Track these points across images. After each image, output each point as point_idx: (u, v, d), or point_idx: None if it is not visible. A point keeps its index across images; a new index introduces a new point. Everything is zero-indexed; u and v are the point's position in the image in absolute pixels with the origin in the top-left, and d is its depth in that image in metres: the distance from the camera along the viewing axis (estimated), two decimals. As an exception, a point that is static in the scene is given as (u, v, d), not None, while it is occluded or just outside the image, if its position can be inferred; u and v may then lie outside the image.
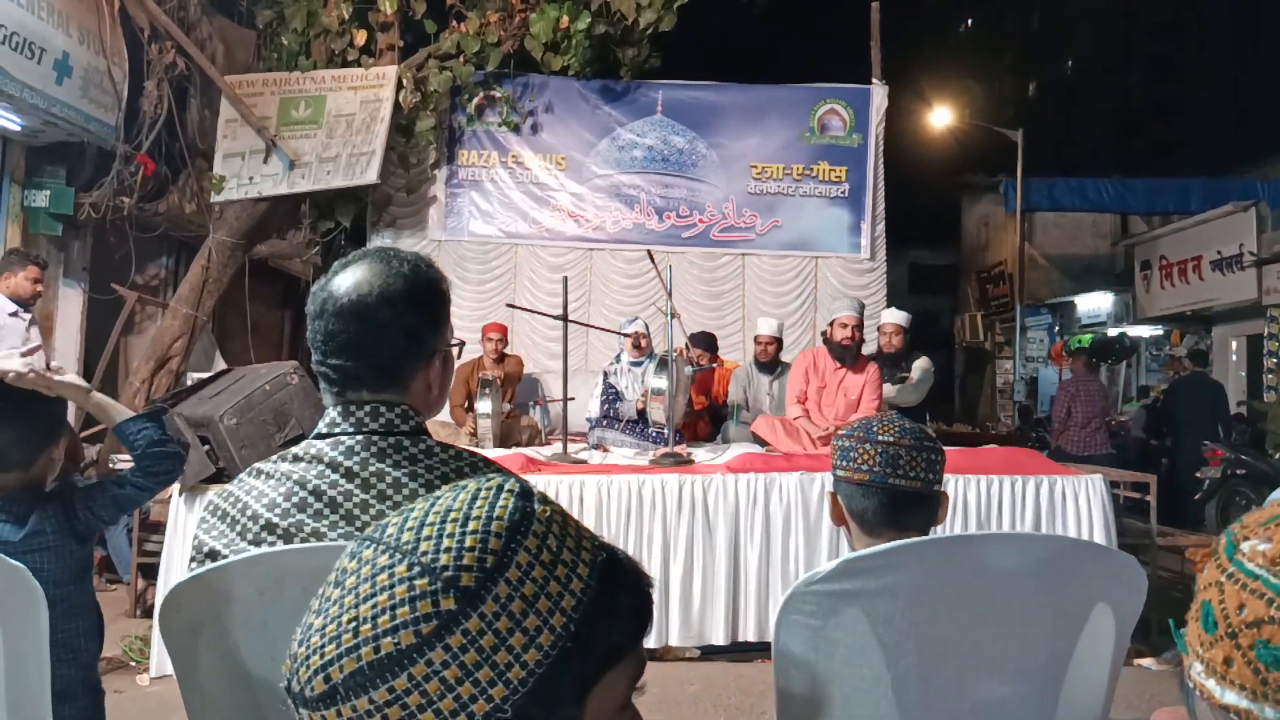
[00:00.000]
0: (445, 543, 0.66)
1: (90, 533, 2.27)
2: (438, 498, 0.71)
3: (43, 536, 2.14)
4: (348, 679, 0.63)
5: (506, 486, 0.72)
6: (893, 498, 1.65)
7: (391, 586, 0.65)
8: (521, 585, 0.65)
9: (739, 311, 8.41)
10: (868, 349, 6.17)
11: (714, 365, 6.94)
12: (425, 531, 0.67)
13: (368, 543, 0.69)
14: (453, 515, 0.68)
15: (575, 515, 0.76)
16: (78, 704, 2.15)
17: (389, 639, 0.63)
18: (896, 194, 9.00)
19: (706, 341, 7.09)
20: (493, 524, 0.67)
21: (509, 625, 0.64)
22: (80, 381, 2.30)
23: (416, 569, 0.65)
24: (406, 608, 0.63)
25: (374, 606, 0.64)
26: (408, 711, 0.62)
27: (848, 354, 5.73)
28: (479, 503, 0.69)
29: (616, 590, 0.70)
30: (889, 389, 6.18)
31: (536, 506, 0.70)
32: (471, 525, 0.67)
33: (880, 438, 1.67)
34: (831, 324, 5.83)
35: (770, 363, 6.49)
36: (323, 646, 0.64)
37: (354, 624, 0.64)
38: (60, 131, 6.79)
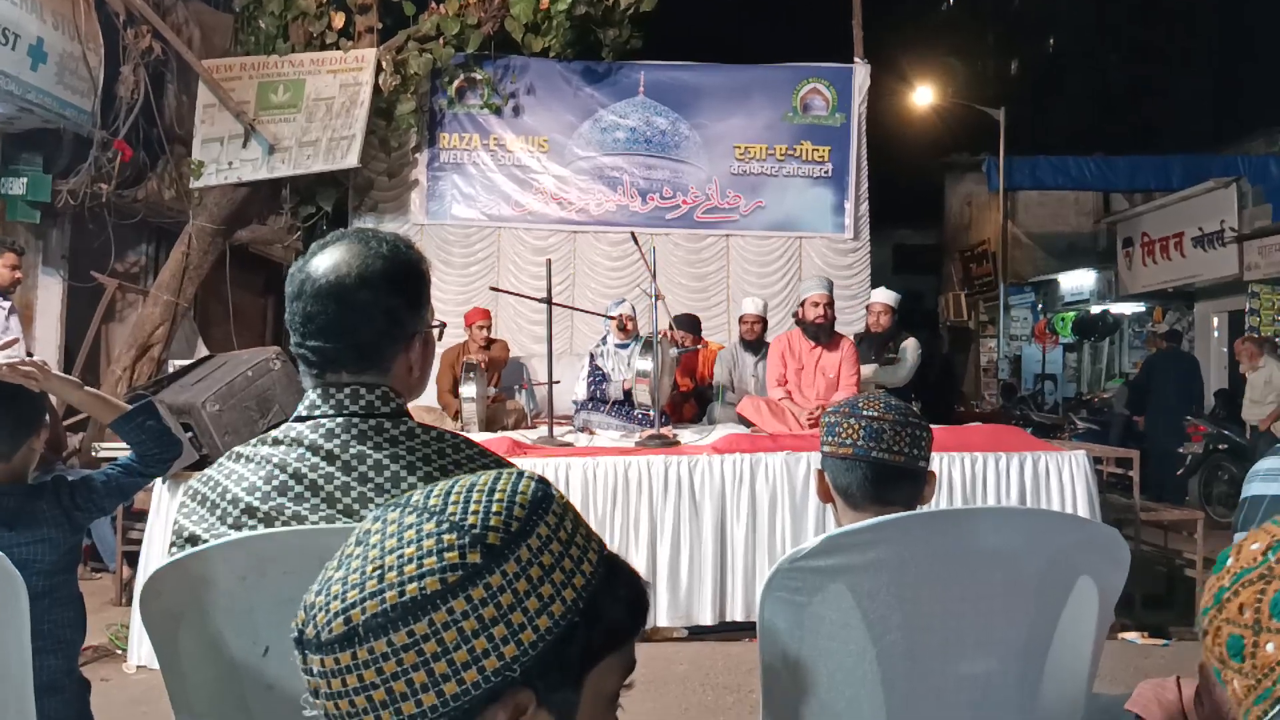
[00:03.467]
0: (473, 507, 0.71)
1: (87, 523, 2.26)
2: (460, 478, 0.76)
3: (38, 528, 2.13)
4: (369, 620, 0.66)
5: (526, 474, 0.77)
6: (876, 472, 1.64)
7: (419, 540, 0.69)
8: (541, 554, 0.70)
9: (723, 293, 8.39)
10: (856, 328, 6.18)
11: (698, 347, 6.93)
12: (453, 498, 0.73)
13: (393, 507, 0.74)
14: (479, 487, 0.74)
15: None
16: (64, 695, 2.15)
17: (414, 584, 0.67)
18: (880, 174, 8.99)
19: (690, 323, 7.08)
20: (517, 496, 0.73)
21: (527, 587, 0.69)
22: (70, 377, 2.29)
23: (445, 525, 0.70)
24: (434, 558, 0.68)
25: (400, 556, 0.69)
26: (423, 658, 0.66)
27: (822, 332, 5.77)
28: (503, 480, 0.75)
29: (619, 581, 0.76)
30: (871, 369, 6.20)
31: (555, 493, 0.77)
32: (498, 495, 0.73)
33: (865, 412, 1.67)
34: (803, 304, 5.86)
35: (756, 341, 6.49)
36: (345, 592, 0.68)
37: (379, 571, 0.68)
38: (36, 118, 6.72)
